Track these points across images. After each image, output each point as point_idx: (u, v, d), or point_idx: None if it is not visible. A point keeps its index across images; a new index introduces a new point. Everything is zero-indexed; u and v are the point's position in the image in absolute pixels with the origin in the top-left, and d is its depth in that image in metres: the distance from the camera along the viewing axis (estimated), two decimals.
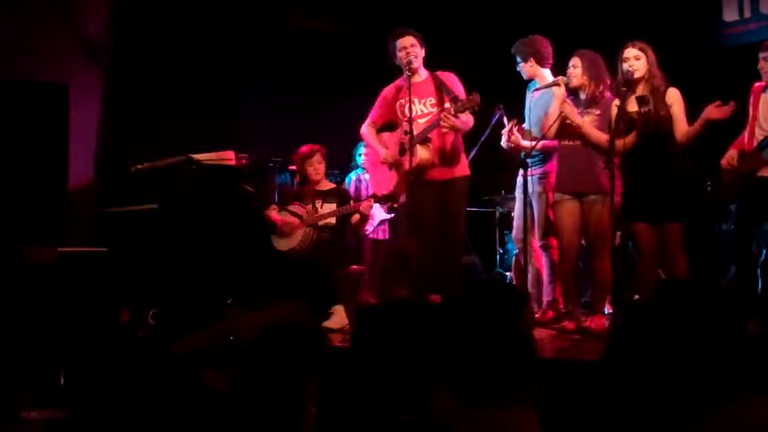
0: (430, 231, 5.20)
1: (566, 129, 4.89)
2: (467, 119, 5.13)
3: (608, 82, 4.92)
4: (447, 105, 5.08)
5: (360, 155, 6.56)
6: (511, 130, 5.34)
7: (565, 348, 4.46)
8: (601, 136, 4.73)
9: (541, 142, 5.03)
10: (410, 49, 5.20)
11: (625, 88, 4.59)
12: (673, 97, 4.59)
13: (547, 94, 5.11)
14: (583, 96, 4.94)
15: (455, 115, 4.99)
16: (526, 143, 5.27)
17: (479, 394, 2.18)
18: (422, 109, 5.26)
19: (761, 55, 4.69)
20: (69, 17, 6.14)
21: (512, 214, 6.03)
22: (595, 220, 4.89)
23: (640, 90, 4.63)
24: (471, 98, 4.97)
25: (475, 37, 7.21)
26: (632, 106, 4.62)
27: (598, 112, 4.89)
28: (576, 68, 4.93)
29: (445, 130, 5.07)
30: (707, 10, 6.71)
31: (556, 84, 4.97)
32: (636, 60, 4.61)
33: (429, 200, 5.22)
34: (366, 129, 5.48)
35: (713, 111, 4.39)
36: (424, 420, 2.21)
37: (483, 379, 2.18)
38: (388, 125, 5.47)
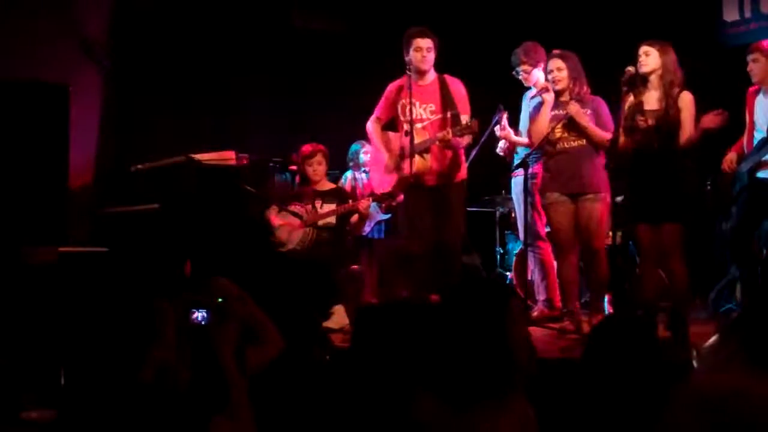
0: (427, 235, 5.20)
1: (567, 131, 4.91)
2: (462, 139, 5.13)
3: (586, 81, 4.95)
4: (447, 117, 5.11)
5: (353, 152, 6.51)
6: (502, 126, 5.47)
7: (565, 348, 4.46)
8: (604, 135, 4.82)
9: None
10: (425, 52, 5.17)
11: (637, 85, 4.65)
12: (685, 101, 4.60)
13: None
14: (565, 98, 4.94)
15: (452, 138, 5.00)
16: (518, 138, 5.45)
17: (463, 396, 2.17)
18: (422, 113, 5.23)
19: (749, 57, 4.74)
20: (69, 17, 6.13)
21: (513, 215, 6.05)
22: (587, 219, 4.89)
23: (654, 86, 4.64)
24: (470, 125, 5.00)
25: (475, 37, 7.20)
26: (647, 105, 4.63)
27: (589, 111, 4.90)
28: (561, 71, 4.93)
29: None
30: (707, 10, 6.71)
31: (545, 90, 4.99)
32: (645, 56, 4.64)
33: (425, 205, 5.22)
34: (371, 126, 5.43)
35: (709, 120, 4.46)
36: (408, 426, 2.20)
37: (466, 381, 2.18)
38: (393, 122, 5.45)
